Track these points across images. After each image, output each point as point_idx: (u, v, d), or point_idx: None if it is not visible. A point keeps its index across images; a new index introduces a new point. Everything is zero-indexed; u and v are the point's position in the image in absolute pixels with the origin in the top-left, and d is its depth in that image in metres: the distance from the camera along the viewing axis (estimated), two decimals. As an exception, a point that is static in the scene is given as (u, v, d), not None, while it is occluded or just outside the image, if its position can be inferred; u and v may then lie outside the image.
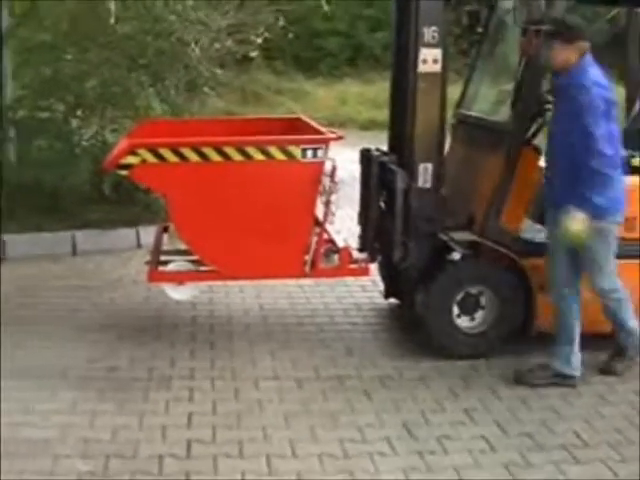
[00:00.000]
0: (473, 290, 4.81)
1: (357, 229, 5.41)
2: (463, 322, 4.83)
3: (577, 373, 4.50)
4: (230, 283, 5.80)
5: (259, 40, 8.55)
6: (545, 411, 4.22)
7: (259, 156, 4.58)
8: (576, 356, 4.49)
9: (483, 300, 4.84)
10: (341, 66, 18.11)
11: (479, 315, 4.86)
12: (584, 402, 4.33)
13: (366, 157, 5.27)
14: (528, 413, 4.19)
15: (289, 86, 17.10)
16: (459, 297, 4.80)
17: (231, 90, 13.03)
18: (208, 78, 7.94)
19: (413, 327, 5.06)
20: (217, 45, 8.19)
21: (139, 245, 7.07)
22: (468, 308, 4.83)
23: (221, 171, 4.58)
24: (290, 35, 9.20)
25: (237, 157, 4.56)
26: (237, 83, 13.52)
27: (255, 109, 14.50)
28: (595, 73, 4.29)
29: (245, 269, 4.76)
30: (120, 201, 7.30)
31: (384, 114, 14.83)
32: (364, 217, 5.31)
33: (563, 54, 4.31)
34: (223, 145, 4.55)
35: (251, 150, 4.57)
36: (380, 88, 16.03)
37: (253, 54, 8.67)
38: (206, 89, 8.07)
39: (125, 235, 7.08)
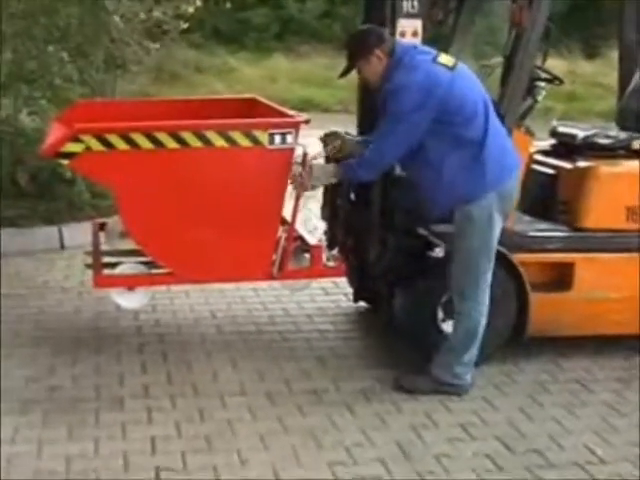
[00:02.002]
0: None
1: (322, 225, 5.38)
2: (449, 327, 4.77)
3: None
4: (174, 288, 5.71)
5: (191, 9, 8.42)
6: (549, 423, 4.25)
7: (220, 142, 4.48)
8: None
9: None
10: (268, 39, 18.05)
11: (466, 318, 4.86)
12: (591, 412, 4.38)
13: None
14: (530, 426, 4.22)
15: (210, 62, 16.93)
16: (444, 299, 4.75)
17: (144, 68, 12.79)
18: (135, 52, 7.79)
19: (391, 333, 5.04)
20: (142, 15, 8.04)
21: (62, 246, 6.92)
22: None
23: (177, 159, 4.47)
24: (228, 5, 9.07)
25: (195, 143, 4.46)
26: (151, 60, 13.26)
27: (172, 90, 14.21)
28: (406, 71, 4.22)
29: (205, 271, 4.67)
30: (39, 195, 7.12)
31: (321, 93, 14.96)
32: (330, 211, 5.27)
33: (369, 71, 4.36)
34: (179, 130, 4.45)
35: (211, 135, 4.48)
36: (314, 64, 16.09)
37: (184, 25, 8.49)
38: (133, 67, 7.91)
39: (46, 234, 6.92)
